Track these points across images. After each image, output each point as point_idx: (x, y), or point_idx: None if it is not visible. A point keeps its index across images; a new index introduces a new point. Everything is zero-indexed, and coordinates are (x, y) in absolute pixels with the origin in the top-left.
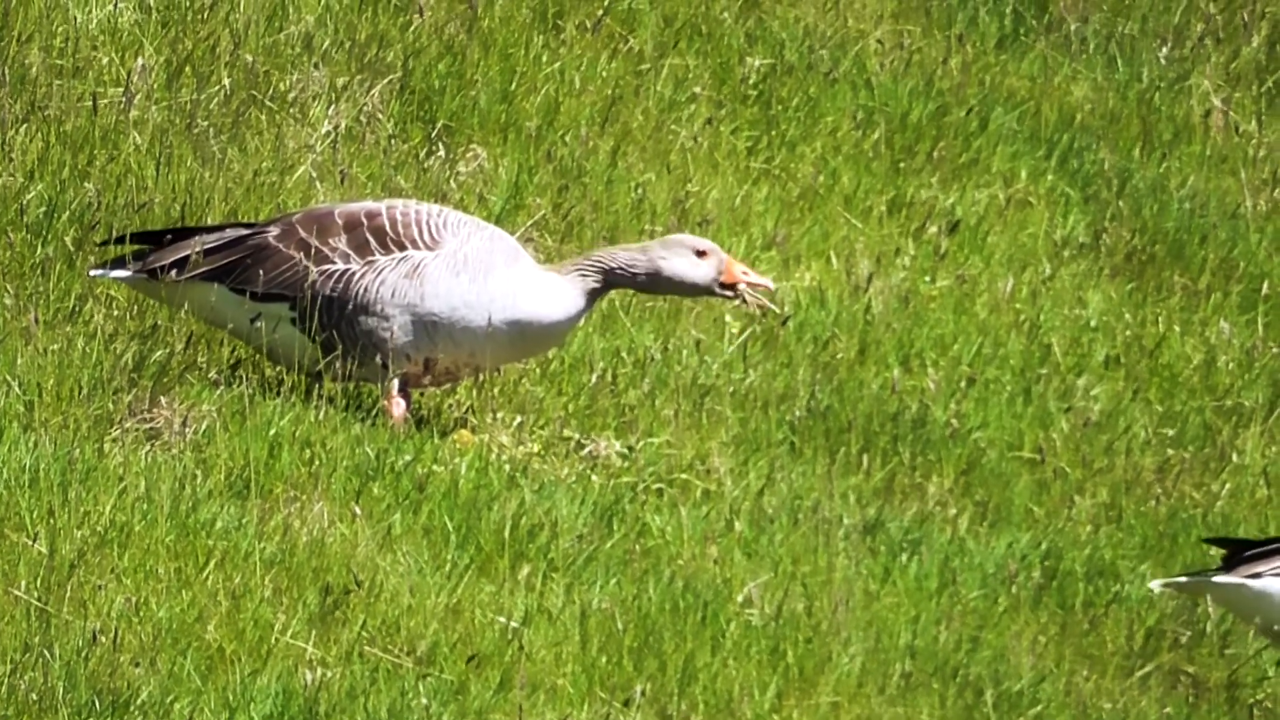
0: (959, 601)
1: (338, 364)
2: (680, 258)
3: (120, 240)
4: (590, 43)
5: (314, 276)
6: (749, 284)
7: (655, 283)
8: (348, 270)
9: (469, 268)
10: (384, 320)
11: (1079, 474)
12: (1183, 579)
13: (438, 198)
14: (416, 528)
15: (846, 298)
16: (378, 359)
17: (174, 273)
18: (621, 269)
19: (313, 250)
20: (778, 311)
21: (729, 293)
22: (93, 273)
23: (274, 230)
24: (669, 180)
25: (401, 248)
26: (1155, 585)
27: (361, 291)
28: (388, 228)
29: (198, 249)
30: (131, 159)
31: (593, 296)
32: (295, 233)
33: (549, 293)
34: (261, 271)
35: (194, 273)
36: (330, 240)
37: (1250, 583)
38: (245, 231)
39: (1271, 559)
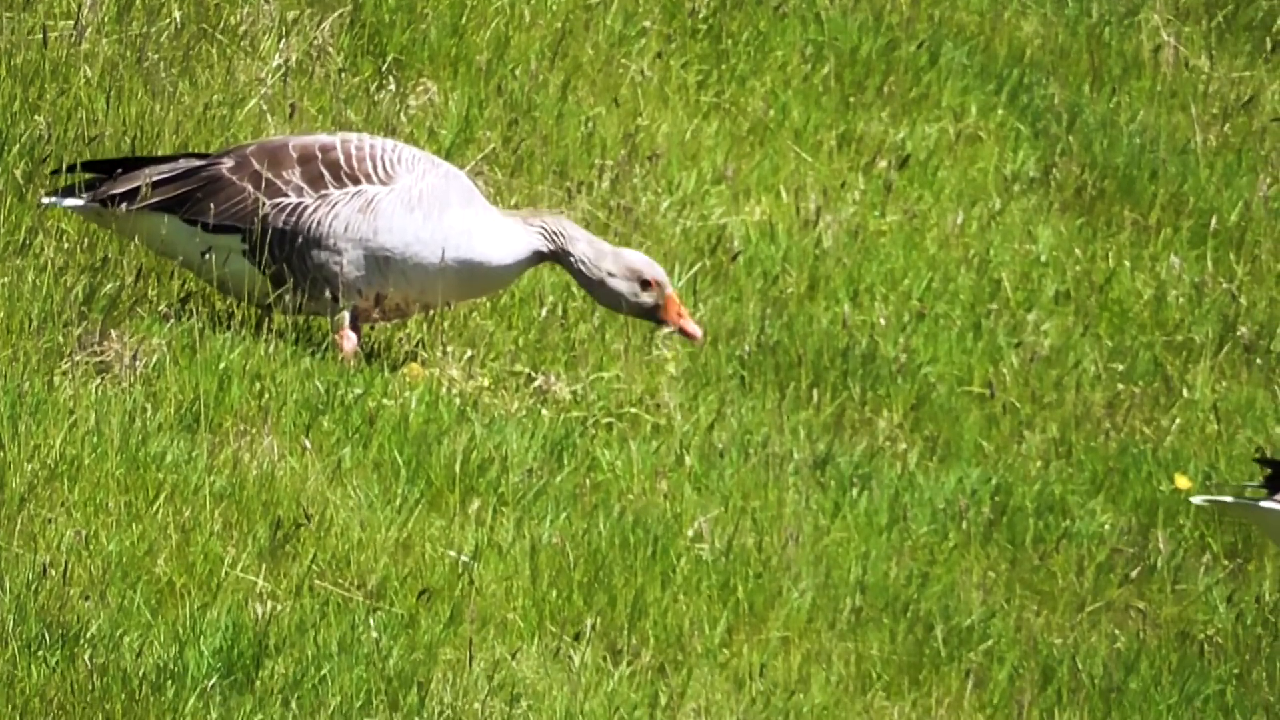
0: (909, 537)
1: (288, 297)
2: (625, 282)
3: (71, 169)
4: None
5: (266, 209)
6: (681, 328)
7: (591, 289)
8: (300, 203)
9: (423, 204)
10: (335, 254)
11: (1029, 409)
12: (1228, 499)
13: (388, 132)
14: (366, 462)
15: (796, 232)
16: (328, 293)
17: (125, 204)
18: (573, 261)
19: (265, 182)
20: (694, 352)
21: (657, 323)
22: (44, 200)
23: (227, 162)
24: (619, 114)
25: (355, 182)
26: (1198, 500)
27: (314, 225)
28: (342, 161)
29: (149, 180)
30: (82, 92)
31: (539, 257)
32: (248, 165)
33: (503, 236)
34: (213, 203)
35: (145, 203)
36: (284, 173)
37: None
38: (198, 163)
39: None
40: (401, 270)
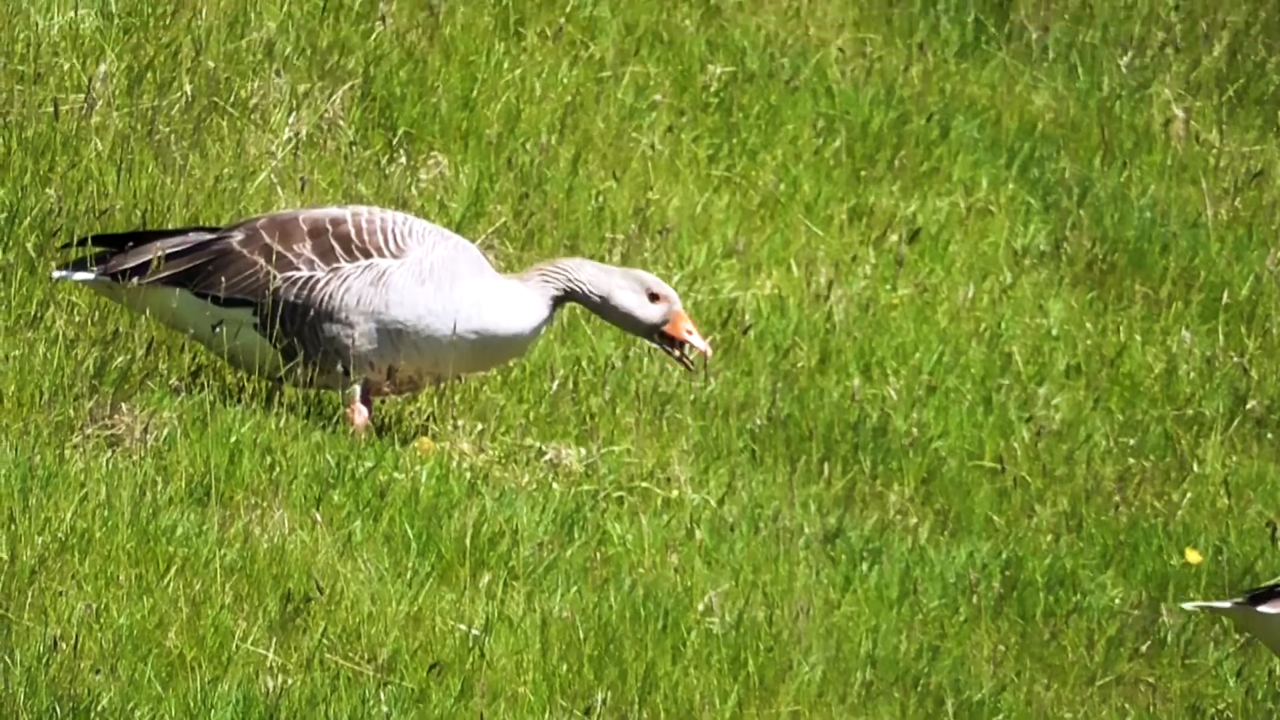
0: (920, 610)
1: (299, 370)
2: (634, 294)
3: (82, 243)
4: (551, 50)
5: (277, 282)
6: (690, 344)
7: (605, 308)
8: (312, 277)
9: (434, 276)
10: (347, 327)
11: (1040, 483)
12: (1224, 604)
13: (399, 205)
14: (377, 535)
15: (807, 306)
16: (339, 366)
17: (136, 278)
18: (582, 285)
19: (276, 255)
20: (705, 374)
21: (667, 345)
22: (55, 274)
23: (238, 235)
24: (630, 188)
25: (366, 255)
26: (1190, 607)
27: (325, 298)
28: (353, 234)
29: (160, 253)
30: (93, 165)
31: (554, 305)
32: (259, 238)
33: (513, 303)
34: (224, 277)
35: (156, 277)
36: (295, 246)
37: None
38: (208, 236)
39: None
40: (414, 343)
